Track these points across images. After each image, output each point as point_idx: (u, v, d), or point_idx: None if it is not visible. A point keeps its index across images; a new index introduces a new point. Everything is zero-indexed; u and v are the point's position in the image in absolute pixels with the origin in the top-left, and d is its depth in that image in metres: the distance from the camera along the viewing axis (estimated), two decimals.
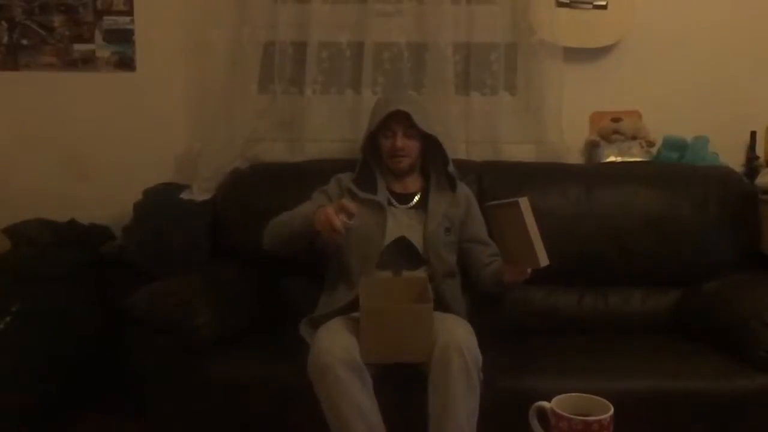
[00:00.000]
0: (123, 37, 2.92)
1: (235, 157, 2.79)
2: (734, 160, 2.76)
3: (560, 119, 2.78)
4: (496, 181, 2.61)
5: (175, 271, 2.37)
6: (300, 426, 2.02)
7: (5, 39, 2.94)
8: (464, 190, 2.44)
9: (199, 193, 2.72)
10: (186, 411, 2.12)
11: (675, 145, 2.77)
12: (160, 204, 2.69)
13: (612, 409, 1.43)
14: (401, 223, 2.32)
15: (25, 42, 2.94)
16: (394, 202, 2.37)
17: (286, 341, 2.18)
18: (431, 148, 2.40)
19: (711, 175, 2.62)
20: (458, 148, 2.77)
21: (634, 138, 2.77)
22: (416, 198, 2.38)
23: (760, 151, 2.77)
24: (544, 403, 1.48)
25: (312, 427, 1.92)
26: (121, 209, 2.75)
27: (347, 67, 2.83)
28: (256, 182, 2.69)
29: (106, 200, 2.86)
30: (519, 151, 2.79)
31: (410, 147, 2.34)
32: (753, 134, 2.78)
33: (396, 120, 2.30)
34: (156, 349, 2.11)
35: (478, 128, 2.82)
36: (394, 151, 2.33)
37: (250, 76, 2.82)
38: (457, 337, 1.94)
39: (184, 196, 2.72)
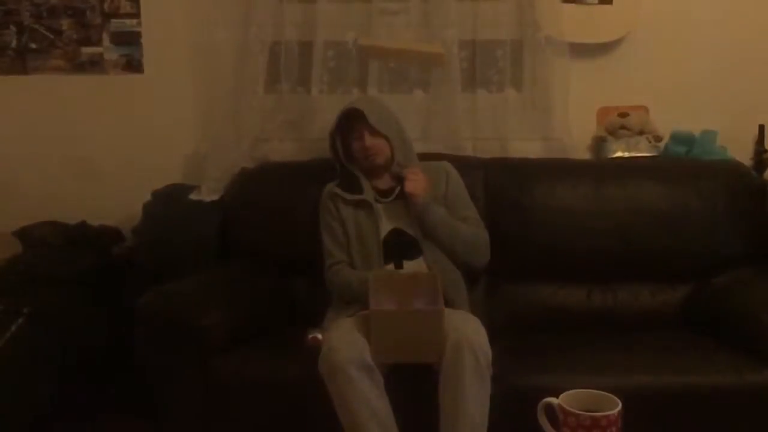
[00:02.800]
0: (130, 40, 2.93)
1: (242, 157, 2.80)
2: (742, 153, 2.75)
3: (567, 115, 2.78)
4: (503, 178, 2.62)
5: (185, 272, 2.38)
6: (311, 425, 2.02)
7: (14, 43, 2.96)
8: (441, 169, 2.45)
9: (208, 193, 2.73)
10: (197, 410, 2.13)
11: (683, 139, 2.76)
12: (169, 205, 2.70)
13: (620, 405, 1.44)
14: (392, 216, 2.36)
15: (33, 46, 2.96)
16: (380, 198, 2.39)
17: (296, 340, 2.18)
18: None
19: (719, 169, 2.62)
20: (465, 145, 2.77)
21: (641, 133, 2.77)
22: (397, 190, 2.40)
23: None
24: (553, 399, 1.49)
25: (324, 426, 1.93)
26: (130, 211, 2.77)
27: (353, 66, 2.83)
28: (264, 182, 2.70)
29: (116, 202, 2.87)
30: (526, 148, 2.79)
31: (379, 144, 2.38)
32: (761, 128, 2.77)
33: (359, 121, 2.35)
34: (166, 349, 2.13)
35: (484, 125, 2.82)
36: (365, 151, 2.37)
37: (257, 76, 2.83)
38: (468, 334, 1.94)
39: (193, 196, 2.73)
